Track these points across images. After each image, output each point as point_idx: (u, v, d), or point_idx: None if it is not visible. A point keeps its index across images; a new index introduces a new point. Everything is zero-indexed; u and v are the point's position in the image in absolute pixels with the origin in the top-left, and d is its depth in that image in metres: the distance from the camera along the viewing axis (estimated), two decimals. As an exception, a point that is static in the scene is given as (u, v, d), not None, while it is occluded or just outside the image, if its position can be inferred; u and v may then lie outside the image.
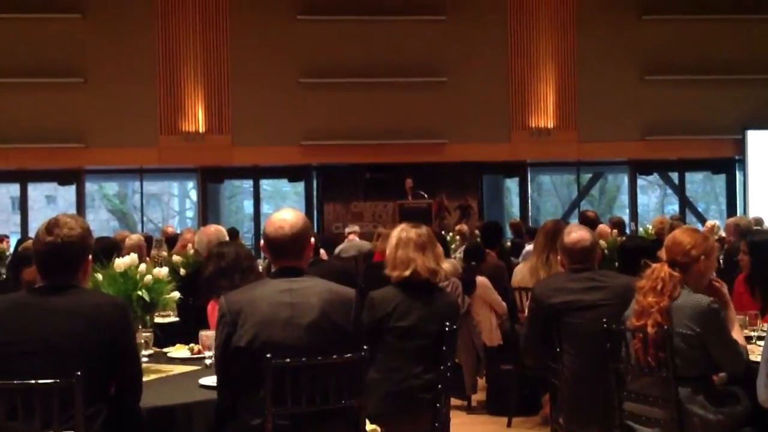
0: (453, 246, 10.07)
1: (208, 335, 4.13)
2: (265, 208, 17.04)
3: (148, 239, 10.37)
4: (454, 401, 6.06)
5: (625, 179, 17.64)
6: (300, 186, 16.73)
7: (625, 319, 4.06)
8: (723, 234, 10.10)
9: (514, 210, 17.15)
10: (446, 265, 4.62)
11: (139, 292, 3.87)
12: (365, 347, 3.30)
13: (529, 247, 8.30)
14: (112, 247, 5.90)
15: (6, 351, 3.03)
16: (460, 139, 15.35)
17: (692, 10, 15.64)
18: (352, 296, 3.36)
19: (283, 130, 15.13)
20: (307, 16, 15.24)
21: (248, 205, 19.42)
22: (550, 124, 15.78)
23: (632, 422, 3.99)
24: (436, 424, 4.17)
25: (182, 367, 4.03)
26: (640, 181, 17.79)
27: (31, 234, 13.13)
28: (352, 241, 11.65)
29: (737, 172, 16.52)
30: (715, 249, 4.24)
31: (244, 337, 3.18)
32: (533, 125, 15.76)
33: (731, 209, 16.51)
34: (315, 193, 16.01)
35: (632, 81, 15.77)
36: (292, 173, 16.39)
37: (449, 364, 4.26)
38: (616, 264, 6.45)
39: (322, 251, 7.81)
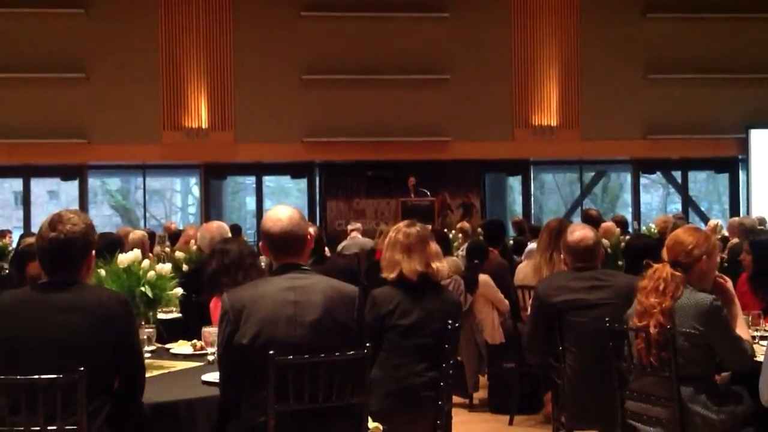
0: (455, 244, 10.06)
1: (210, 332, 4.14)
2: (267, 204, 17.01)
3: (151, 235, 10.38)
4: (456, 399, 6.07)
5: (628, 178, 17.63)
6: (303, 183, 16.73)
7: (627, 319, 4.06)
8: (726, 233, 10.10)
9: (517, 208, 17.14)
10: (446, 263, 4.58)
11: (142, 288, 3.87)
12: (368, 345, 3.30)
13: (531, 246, 8.28)
14: (115, 243, 5.91)
15: (10, 347, 3.03)
16: (462, 136, 15.34)
17: (696, 9, 15.63)
18: (355, 294, 3.36)
19: (286, 126, 15.13)
20: (310, 13, 15.23)
21: (251, 202, 19.41)
22: (553, 122, 15.77)
23: (634, 421, 4.00)
24: (438, 422, 4.17)
25: (185, 363, 4.04)
26: (643, 180, 17.77)
27: (34, 229, 13.14)
28: (355, 239, 11.64)
29: (740, 172, 16.50)
30: (717, 248, 4.23)
31: (247, 335, 3.17)
32: (536, 123, 15.75)
33: (734, 208, 16.49)
34: (317, 190, 16.01)
35: (635, 79, 15.75)
36: (294, 170, 16.38)
37: (451, 362, 4.26)
38: (620, 263, 6.46)
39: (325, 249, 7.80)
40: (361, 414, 3.31)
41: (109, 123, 14.75)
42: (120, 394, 3.14)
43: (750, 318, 4.92)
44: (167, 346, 4.39)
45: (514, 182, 17.28)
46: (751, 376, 3.81)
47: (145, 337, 4.08)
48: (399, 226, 4.46)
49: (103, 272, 3.87)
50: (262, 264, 5.04)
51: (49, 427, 2.93)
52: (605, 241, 6.76)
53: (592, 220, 8.54)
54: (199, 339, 4.31)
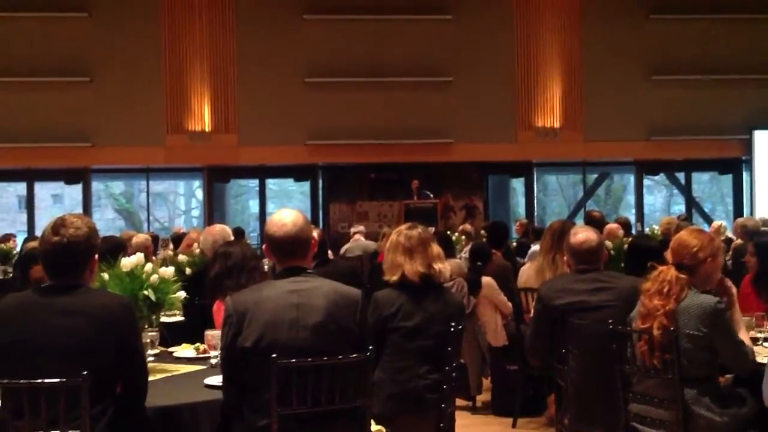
0: (458, 246, 10.06)
1: (213, 335, 4.14)
2: (270, 207, 17.04)
3: (155, 238, 10.40)
4: (459, 401, 6.06)
5: (632, 179, 17.62)
6: (306, 185, 16.74)
7: (630, 321, 4.05)
8: (730, 234, 10.09)
9: (520, 210, 17.14)
10: (448, 265, 4.58)
11: (145, 292, 3.87)
12: (370, 348, 3.30)
13: (535, 248, 8.29)
14: (118, 247, 5.91)
15: (13, 350, 3.04)
16: (465, 138, 15.34)
17: (699, 10, 15.62)
18: (358, 297, 3.36)
19: (289, 129, 15.14)
20: (313, 16, 15.25)
21: (254, 205, 19.44)
22: (556, 124, 15.76)
23: (638, 423, 3.99)
24: (441, 425, 4.17)
25: (188, 367, 4.04)
26: (647, 182, 17.76)
27: (38, 233, 13.16)
28: (358, 241, 11.63)
29: (744, 173, 16.48)
30: (722, 250, 4.23)
31: (250, 338, 3.17)
32: (539, 125, 15.74)
33: (738, 210, 16.48)
34: (320, 192, 16.02)
35: (639, 81, 15.74)
36: (297, 173, 16.39)
37: (454, 364, 4.25)
38: (623, 264, 6.44)
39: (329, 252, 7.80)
40: (364, 417, 3.32)
41: (112, 126, 14.78)
42: (123, 398, 3.14)
43: (754, 319, 4.91)
44: (170, 349, 4.40)
45: (517, 184, 17.28)
46: (755, 378, 3.81)
47: (148, 340, 4.08)
48: (400, 228, 4.46)
49: (106, 276, 3.87)
50: (265, 267, 5.04)
51: (52, 431, 2.93)
52: (608, 243, 6.75)
53: (595, 222, 8.53)
54: (202, 342, 4.31)
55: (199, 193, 19.20)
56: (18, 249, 10.89)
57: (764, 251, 5.51)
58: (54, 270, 3.16)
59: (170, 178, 20.64)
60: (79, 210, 15.56)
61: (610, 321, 4.09)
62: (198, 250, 6.54)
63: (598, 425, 4.47)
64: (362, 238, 11.79)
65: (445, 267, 4.40)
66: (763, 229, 8.97)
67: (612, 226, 8.64)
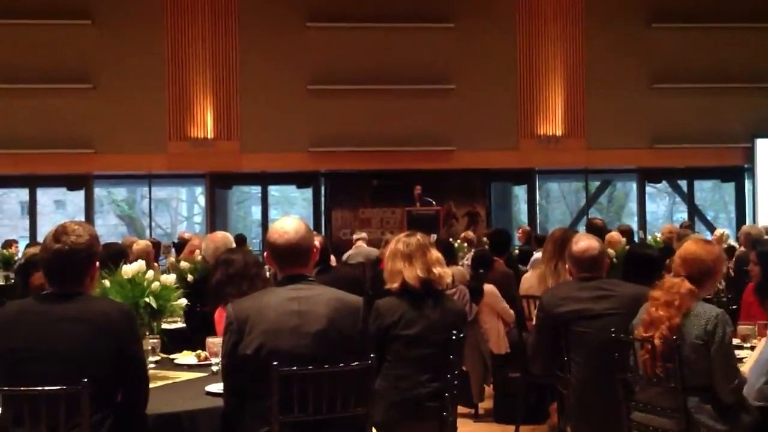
0: (460, 253, 10.05)
1: (214, 342, 4.13)
2: (273, 214, 17.03)
3: (156, 245, 10.40)
4: (461, 409, 6.05)
5: (634, 187, 17.60)
6: (308, 192, 16.73)
7: (632, 329, 4.04)
8: (732, 242, 10.07)
9: (522, 217, 17.12)
10: (449, 270, 4.57)
11: (147, 299, 3.87)
12: (372, 356, 3.29)
13: (537, 255, 8.28)
14: (119, 254, 5.90)
15: (14, 357, 3.04)
16: (468, 146, 15.34)
17: (701, 19, 15.62)
18: (360, 305, 3.35)
19: (292, 136, 15.15)
20: (316, 24, 15.27)
21: (256, 211, 19.42)
22: (559, 132, 15.76)
23: (640, 432, 3.98)
24: (443, 433, 4.16)
25: (189, 374, 4.03)
26: (649, 189, 17.74)
27: (40, 239, 13.16)
28: (360, 248, 11.63)
29: (746, 181, 16.46)
30: (723, 263, 4.25)
31: (251, 345, 3.17)
32: (541, 133, 15.74)
33: (740, 218, 16.45)
34: (323, 199, 16.01)
35: (641, 89, 15.74)
36: (300, 180, 16.39)
37: (456, 372, 4.24)
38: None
39: (331, 258, 7.79)
40: (365, 425, 3.31)
41: (115, 133, 14.80)
42: (123, 406, 3.13)
43: (756, 328, 4.90)
44: (171, 356, 4.39)
45: (520, 191, 17.26)
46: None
47: (149, 347, 4.07)
48: (399, 236, 4.48)
49: (107, 283, 3.87)
50: (267, 274, 5.04)
51: (52, 439, 2.93)
52: (610, 251, 6.74)
53: (597, 230, 8.52)
54: (204, 349, 4.30)
55: (201, 200, 19.20)
56: (20, 255, 10.90)
57: (767, 260, 5.50)
58: (55, 277, 3.16)
59: (172, 184, 20.63)
60: (82, 216, 15.57)
61: (612, 329, 4.08)
62: (200, 257, 6.54)
63: (600, 434, 4.46)
64: (364, 245, 11.78)
65: (445, 271, 4.39)
66: (766, 237, 8.96)
67: (614, 234, 8.64)
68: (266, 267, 4.93)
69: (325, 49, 15.28)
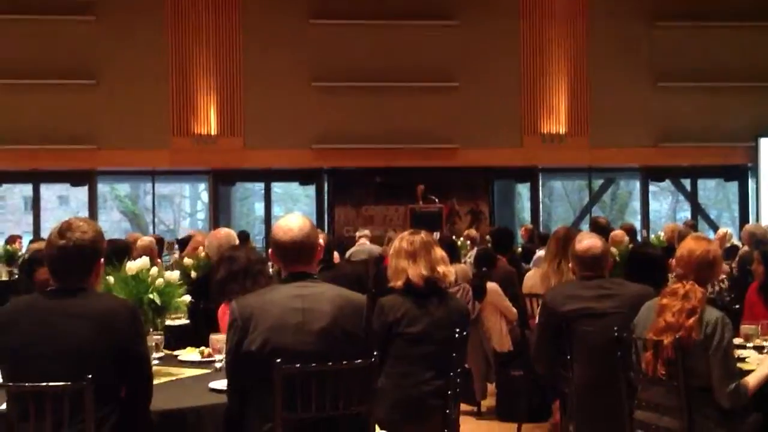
0: (463, 251, 10.05)
1: (218, 339, 4.14)
2: (276, 210, 17.07)
3: (159, 241, 10.40)
4: (463, 407, 6.04)
5: (637, 185, 17.60)
6: (311, 189, 16.75)
7: (633, 327, 4.03)
8: (736, 242, 10.06)
9: (525, 215, 17.13)
10: (453, 269, 4.58)
11: (151, 296, 3.88)
12: (375, 353, 3.29)
13: (540, 253, 8.27)
14: (123, 250, 5.91)
15: (18, 353, 3.04)
16: (471, 143, 15.34)
17: (705, 17, 15.60)
18: (364, 303, 3.35)
19: (295, 133, 15.16)
20: (319, 20, 15.27)
21: (259, 208, 19.46)
22: (562, 130, 15.76)
23: (643, 431, 3.97)
24: (446, 431, 4.16)
25: (192, 371, 4.04)
26: (652, 188, 17.74)
27: (44, 234, 13.19)
28: (363, 245, 11.64)
29: (750, 180, 16.45)
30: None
31: (255, 342, 3.17)
32: (545, 131, 15.74)
33: (743, 217, 16.44)
34: (326, 196, 16.02)
35: (645, 87, 15.73)
36: (303, 176, 16.40)
37: (459, 370, 4.25)
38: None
39: (335, 254, 7.79)
40: (368, 423, 3.31)
41: (118, 129, 14.81)
42: (127, 402, 3.14)
43: (760, 328, 4.90)
44: (175, 353, 4.39)
45: (523, 189, 17.27)
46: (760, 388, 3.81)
47: (153, 344, 4.08)
48: (403, 235, 4.48)
49: (111, 279, 3.88)
50: (270, 271, 5.04)
51: (56, 434, 2.94)
52: (613, 250, 6.74)
53: (600, 228, 8.51)
54: (207, 346, 4.31)
55: (205, 196, 19.21)
56: (24, 250, 10.91)
57: (771, 260, 5.49)
58: (60, 273, 3.16)
59: (176, 180, 20.67)
60: (85, 212, 15.61)
61: (615, 328, 4.08)
62: (203, 254, 6.54)
63: (603, 432, 4.46)
64: (367, 242, 11.79)
65: (449, 270, 4.39)
66: (769, 236, 8.93)
67: (617, 232, 8.62)
68: (269, 264, 4.94)
69: (329, 46, 15.28)
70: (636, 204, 18.82)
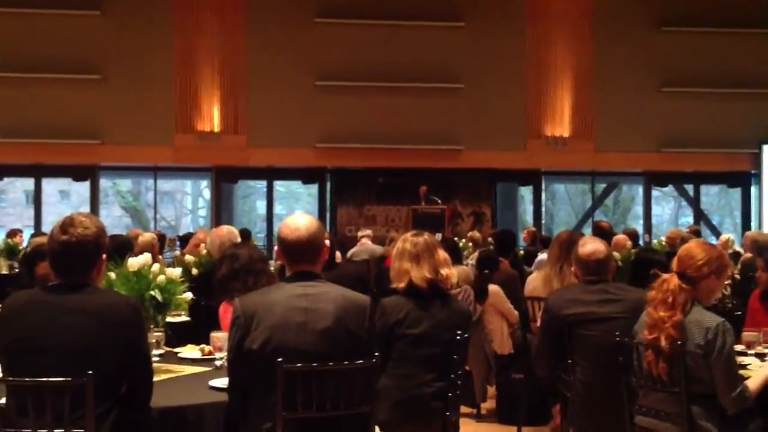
0: (465, 253, 10.04)
1: (219, 336, 4.13)
2: (278, 209, 17.06)
3: (161, 237, 10.40)
4: (463, 409, 6.04)
5: (640, 190, 17.56)
6: (314, 188, 16.74)
7: (635, 333, 4.02)
8: (737, 248, 10.05)
9: (528, 218, 17.12)
10: (455, 271, 4.58)
11: (152, 292, 3.87)
12: (377, 354, 3.29)
13: (542, 256, 8.27)
14: (125, 246, 5.91)
15: (19, 348, 3.04)
16: (475, 145, 15.32)
17: (711, 23, 15.57)
18: (367, 303, 3.35)
19: (299, 132, 15.14)
20: (324, 19, 15.25)
21: (261, 206, 19.44)
22: (566, 133, 15.74)
23: (643, 437, 3.96)
24: (446, 432, 4.15)
25: (193, 368, 4.03)
26: (655, 193, 17.71)
27: (45, 228, 13.20)
28: (365, 245, 11.62)
29: (753, 187, 16.43)
30: (728, 270, 4.15)
31: (257, 340, 3.16)
32: (549, 134, 15.72)
33: (746, 223, 16.42)
34: (328, 195, 16.01)
35: (649, 92, 15.71)
36: (306, 175, 16.39)
37: (460, 372, 4.24)
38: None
39: (337, 254, 7.80)
40: (369, 423, 3.30)
41: (121, 124, 14.80)
42: (128, 399, 3.13)
43: (761, 335, 4.89)
44: (176, 350, 4.39)
45: (526, 192, 17.25)
46: (762, 394, 3.79)
47: (154, 340, 4.07)
48: (406, 236, 4.47)
49: (113, 275, 3.87)
50: (272, 269, 5.03)
51: (56, 430, 2.93)
52: (616, 254, 6.73)
53: (603, 233, 8.52)
54: (208, 344, 4.30)
55: (207, 193, 19.20)
56: (25, 244, 10.91)
57: (775, 266, 5.48)
58: (61, 269, 3.15)
59: (178, 177, 20.65)
60: (87, 207, 15.60)
61: (617, 333, 4.07)
62: (205, 251, 6.54)
63: (603, 437, 4.45)
64: (369, 242, 11.78)
65: (451, 272, 4.40)
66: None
67: (620, 237, 8.62)
68: (271, 262, 4.94)
69: (334, 45, 15.26)
70: (639, 209, 18.79)
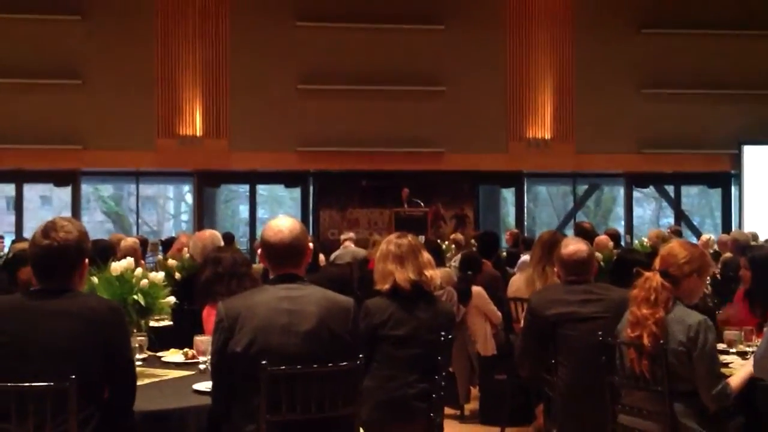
0: (448, 255, 10.06)
1: (202, 340, 4.13)
2: (260, 213, 17.02)
3: (143, 242, 10.35)
4: (447, 410, 6.05)
5: (621, 191, 17.67)
6: (296, 192, 16.73)
7: (618, 333, 4.04)
8: (717, 248, 10.12)
9: (510, 220, 17.18)
10: (440, 273, 4.59)
11: (135, 297, 3.86)
12: (361, 356, 3.29)
13: (524, 257, 8.30)
14: (107, 250, 5.88)
15: (1, 353, 3.01)
16: (457, 148, 15.37)
17: (690, 25, 15.70)
18: (351, 305, 3.36)
19: (281, 135, 15.14)
20: (306, 23, 15.26)
21: (244, 210, 19.40)
22: (547, 135, 15.81)
23: (626, 435, 3.99)
24: (430, 434, 4.16)
25: (176, 372, 4.02)
26: (636, 194, 17.81)
27: (26, 234, 13.12)
28: (348, 248, 11.61)
29: (733, 187, 16.55)
30: (709, 270, 4.20)
31: (241, 343, 3.16)
32: (530, 136, 15.79)
33: (726, 224, 16.54)
34: (311, 198, 16.00)
35: (629, 94, 15.81)
36: (288, 179, 16.37)
37: (443, 373, 4.25)
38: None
39: (320, 257, 7.79)
40: (353, 425, 3.31)
41: (103, 129, 14.74)
42: (111, 403, 3.11)
43: (743, 333, 4.92)
44: (159, 354, 4.37)
45: (508, 194, 17.31)
46: (743, 391, 3.82)
47: (137, 345, 4.05)
48: (390, 238, 4.48)
49: (95, 280, 3.85)
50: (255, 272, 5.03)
51: (39, 435, 2.92)
52: (598, 255, 6.76)
53: (584, 233, 8.54)
54: (191, 347, 4.29)
55: (189, 198, 19.15)
56: (6, 250, 10.84)
57: (758, 265, 5.50)
58: (43, 273, 3.13)
59: (160, 182, 20.59)
60: (68, 212, 15.51)
61: (599, 332, 4.09)
62: (188, 255, 6.52)
63: (586, 436, 4.47)
64: (352, 245, 11.77)
65: (435, 274, 4.41)
66: (753, 243, 9.01)
67: (602, 237, 8.66)
68: (254, 265, 4.93)
69: (316, 48, 15.27)
70: (620, 210, 18.89)
